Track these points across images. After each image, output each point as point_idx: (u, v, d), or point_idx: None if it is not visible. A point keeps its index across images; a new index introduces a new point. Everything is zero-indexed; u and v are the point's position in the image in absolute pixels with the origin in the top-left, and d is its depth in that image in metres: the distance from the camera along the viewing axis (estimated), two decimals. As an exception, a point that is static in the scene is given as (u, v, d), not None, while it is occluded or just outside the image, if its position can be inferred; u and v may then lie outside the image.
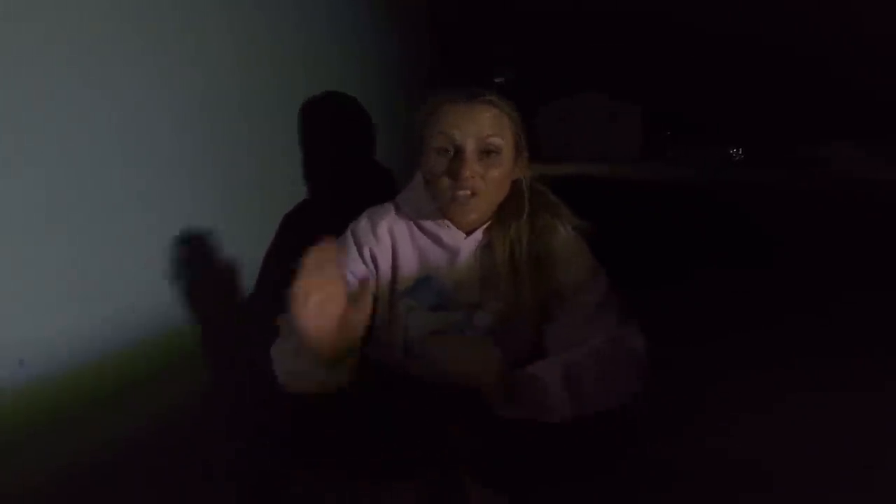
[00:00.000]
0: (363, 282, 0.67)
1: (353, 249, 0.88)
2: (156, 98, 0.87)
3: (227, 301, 1.06)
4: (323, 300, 0.61)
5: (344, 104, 1.42)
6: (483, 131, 0.79)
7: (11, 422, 0.66)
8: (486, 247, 0.87)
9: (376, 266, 0.88)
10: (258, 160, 1.13)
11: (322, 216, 1.27)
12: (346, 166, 1.44)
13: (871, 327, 1.82)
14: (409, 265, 0.88)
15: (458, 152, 0.79)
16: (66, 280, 0.72)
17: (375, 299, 0.89)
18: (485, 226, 0.87)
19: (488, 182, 0.80)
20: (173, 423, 0.88)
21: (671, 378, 1.44)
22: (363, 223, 0.89)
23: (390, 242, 0.88)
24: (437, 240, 0.87)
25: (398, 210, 0.91)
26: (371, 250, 0.87)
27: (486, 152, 0.80)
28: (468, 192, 0.80)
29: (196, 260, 0.95)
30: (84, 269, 0.75)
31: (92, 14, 0.74)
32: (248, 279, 1.11)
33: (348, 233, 0.90)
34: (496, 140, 0.79)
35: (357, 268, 0.87)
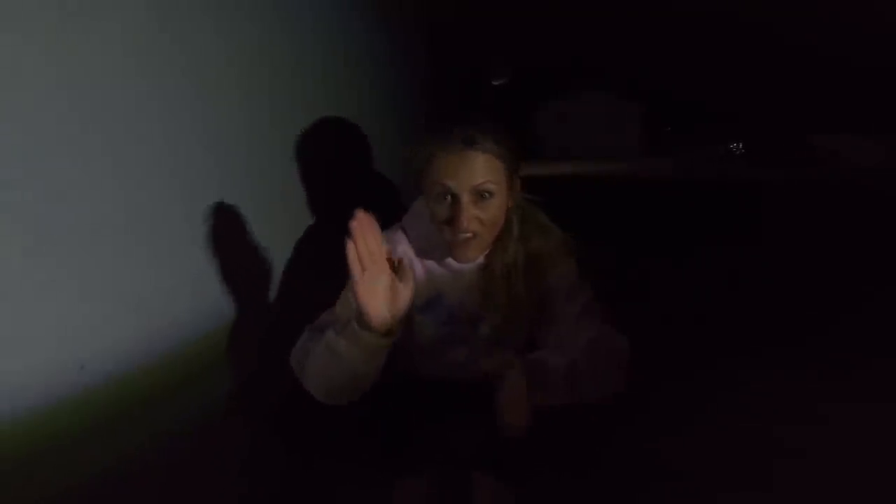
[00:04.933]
0: (404, 261, 0.75)
1: None
2: (189, 122, 0.95)
3: (258, 306, 1.14)
4: (377, 271, 0.71)
5: (345, 113, 1.45)
6: (476, 178, 0.83)
7: (76, 422, 0.73)
8: (485, 268, 0.94)
9: None
10: (276, 175, 1.20)
11: (335, 223, 1.32)
12: (354, 172, 1.48)
13: (876, 326, 1.82)
14: (421, 284, 0.95)
15: (455, 200, 0.84)
16: (121, 290, 0.80)
17: None
18: (485, 252, 0.94)
19: (485, 222, 0.85)
20: (215, 420, 0.97)
21: (672, 375, 1.48)
22: (385, 245, 0.93)
23: (408, 263, 0.95)
24: (443, 264, 0.95)
25: (407, 235, 0.97)
26: None
27: (481, 195, 0.84)
28: (468, 235, 0.85)
29: (230, 271, 1.04)
30: (136, 280, 0.83)
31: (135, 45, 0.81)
32: (275, 288, 1.19)
33: None
34: (489, 185, 0.83)
35: None
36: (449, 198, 0.84)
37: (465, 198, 0.83)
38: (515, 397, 0.79)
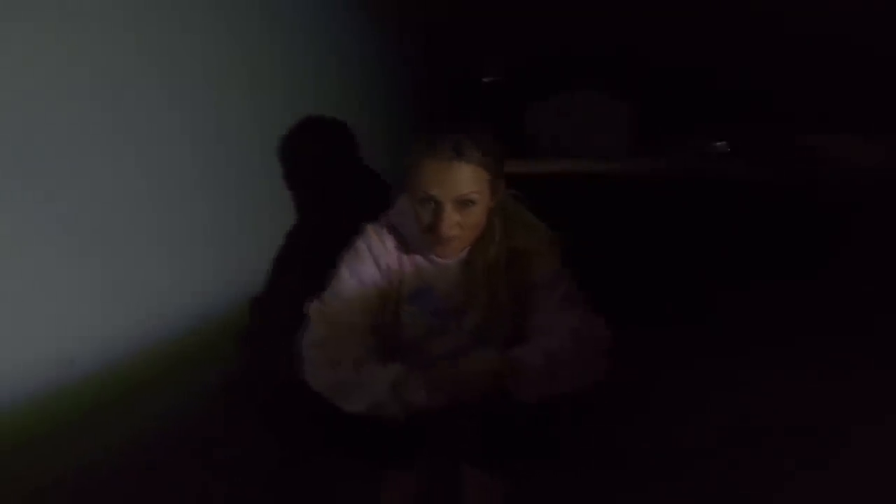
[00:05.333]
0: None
1: (371, 261, 0.97)
2: (183, 123, 0.96)
3: (248, 302, 1.15)
4: None
5: (336, 112, 1.46)
6: (461, 189, 0.86)
7: (66, 416, 0.74)
8: (467, 264, 0.98)
9: (390, 273, 0.99)
10: (265, 173, 1.20)
11: (324, 220, 1.31)
12: (343, 170, 1.48)
13: (876, 326, 1.81)
14: (409, 275, 1.00)
15: (438, 208, 0.87)
16: (111, 286, 0.81)
17: (387, 301, 1.00)
18: (468, 248, 0.98)
19: (465, 226, 0.90)
20: (205, 413, 1.01)
21: (670, 374, 1.48)
22: (374, 239, 0.98)
23: (396, 256, 0.99)
24: (428, 258, 0.99)
25: (393, 229, 1.01)
26: (387, 262, 0.98)
27: (464, 204, 0.88)
28: (447, 238, 0.89)
29: (221, 267, 1.06)
30: (126, 276, 0.84)
31: (118, 57, 0.81)
32: (266, 283, 1.20)
33: (363, 246, 0.98)
34: (472, 195, 0.87)
35: (372, 274, 0.97)
36: (432, 204, 0.88)
37: (448, 206, 0.87)
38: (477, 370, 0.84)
